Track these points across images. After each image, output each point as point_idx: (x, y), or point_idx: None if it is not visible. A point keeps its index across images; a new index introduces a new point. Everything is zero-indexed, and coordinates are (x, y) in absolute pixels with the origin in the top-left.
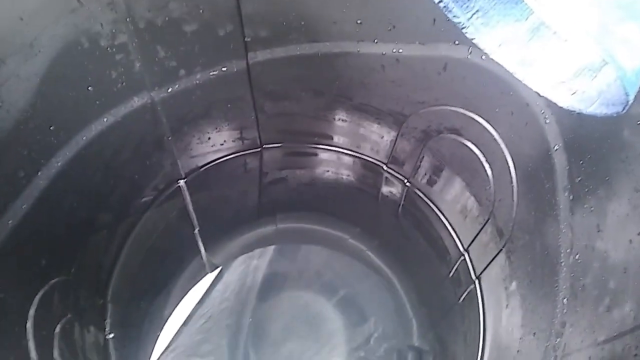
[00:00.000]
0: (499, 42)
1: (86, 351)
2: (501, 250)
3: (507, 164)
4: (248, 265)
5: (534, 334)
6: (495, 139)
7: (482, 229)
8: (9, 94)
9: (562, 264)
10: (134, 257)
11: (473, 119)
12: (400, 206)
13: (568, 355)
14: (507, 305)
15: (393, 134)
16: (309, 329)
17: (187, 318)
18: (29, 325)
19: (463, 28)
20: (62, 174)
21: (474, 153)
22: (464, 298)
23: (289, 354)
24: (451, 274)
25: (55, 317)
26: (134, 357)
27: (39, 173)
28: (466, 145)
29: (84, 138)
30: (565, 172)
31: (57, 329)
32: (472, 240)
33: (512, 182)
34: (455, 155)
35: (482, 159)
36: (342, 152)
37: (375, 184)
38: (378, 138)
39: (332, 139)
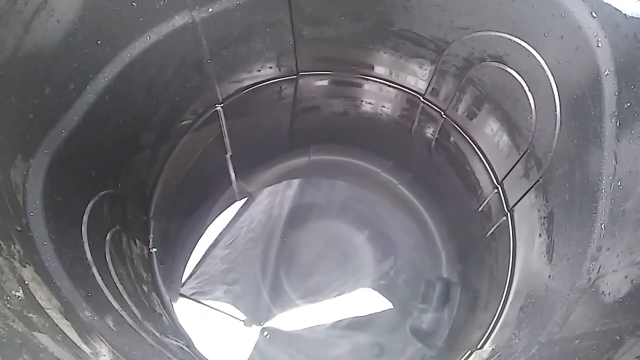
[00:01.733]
0: None
1: (134, 260)
2: (538, 180)
3: (552, 91)
4: (276, 196)
5: (568, 259)
6: (541, 66)
7: (519, 160)
8: (59, 4)
9: (603, 190)
10: (173, 178)
11: (519, 44)
12: (435, 139)
13: (603, 276)
14: (540, 234)
15: (433, 62)
16: (337, 261)
17: (211, 247)
18: (84, 230)
19: None
20: (109, 90)
21: (517, 81)
22: (494, 231)
23: (317, 284)
24: (481, 208)
25: (105, 226)
26: (167, 275)
27: (88, 87)
28: (509, 73)
29: (129, 55)
30: (614, 98)
31: (108, 237)
32: (507, 173)
33: (555, 111)
34: (497, 84)
35: (525, 88)
36: (379, 82)
37: (410, 116)
38: (417, 67)
39: (370, 67)
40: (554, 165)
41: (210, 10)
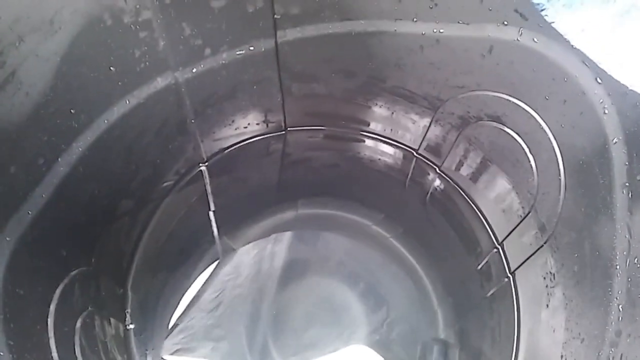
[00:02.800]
0: (582, 26)
1: (107, 344)
2: (542, 246)
3: (555, 155)
4: (263, 249)
5: (582, 340)
6: (542, 129)
7: (520, 222)
8: (27, 75)
9: (617, 267)
10: (154, 243)
11: (518, 106)
12: (429, 194)
13: None
14: (547, 305)
15: (427, 119)
16: (329, 318)
17: (195, 299)
18: (50, 321)
19: (542, 10)
20: (83, 160)
21: (517, 142)
22: (494, 293)
23: (309, 342)
24: (480, 266)
25: (76, 311)
26: (148, 343)
27: (59, 159)
28: (508, 134)
29: (106, 121)
30: (624, 168)
31: (78, 324)
32: (508, 234)
33: (559, 175)
34: (495, 144)
35: (526, 149)
36: (371, 136)
37: (403, 170)
38: (410, 123)
39: (362, 122)
40: (559, 231)
41: (195, 70)
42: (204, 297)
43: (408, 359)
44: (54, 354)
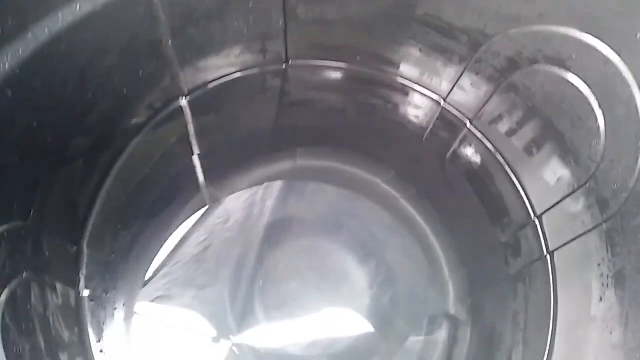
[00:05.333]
0: None
1: (49, 319)
2: (600, 225)
3: (636, 110)
4: (255, 194)
5: None
6: (623, 77)
7: (572, 193)
8: None
9: None
10: (121, 191)
11: (593, 47)
12: (451, 151)
13: None
14: (601, 299)
15: (464, 60)
16: (323, 283)
17: (180, 244)
18: None
19: None
20: (12, 80)
21: (583, 94)
22: (522, 271)
23: (294, 301)
24: (506, 239)
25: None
26: (117, 301)
27: None
28: (572, 84)
29: (47, 30)
30: None
31: (2, 298)
32: (552, 206)
33: (638, 138)
34: (551, 95)
35: (594, 104)
36: (390, 78)
37: (423, 122)
38: (441, 64)
39: (379, 59)
40: (628, 210)
41: None
42: (190, 240)
43: (410, 332)
44: None
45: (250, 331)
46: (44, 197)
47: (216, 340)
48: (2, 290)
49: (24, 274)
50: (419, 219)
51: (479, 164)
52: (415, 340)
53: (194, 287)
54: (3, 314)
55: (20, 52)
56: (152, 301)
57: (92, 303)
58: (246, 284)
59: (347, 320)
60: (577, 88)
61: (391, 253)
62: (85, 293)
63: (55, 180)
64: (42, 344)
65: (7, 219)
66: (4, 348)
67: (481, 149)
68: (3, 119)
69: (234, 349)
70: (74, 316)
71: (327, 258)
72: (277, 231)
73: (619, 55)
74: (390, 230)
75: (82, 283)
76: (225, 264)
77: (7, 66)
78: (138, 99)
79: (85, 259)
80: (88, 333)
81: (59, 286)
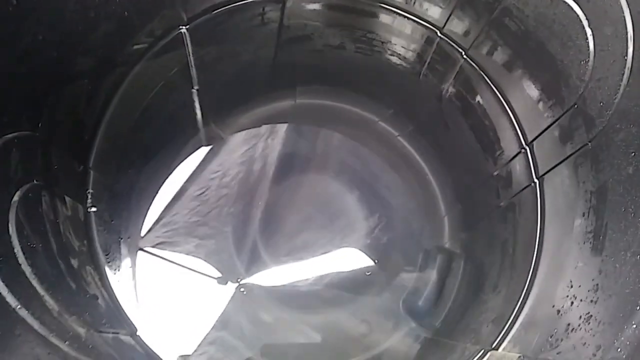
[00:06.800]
0: None
1: (60, 225)
2: (586, 145)
3: (625, 28)
4: (254, 147)
5: (633, 254)
6: None
7: (561, 116)
8: None
9: None
10: (124, 117)
11: None
12: (448, 86)
13: None
14: (584, 214)
15: None
16: (324, 221)
17: (177, 196)
18: None
19: None
20: None
21: (574, 12)
22: (513, 200)
23: (301, 244)
24: (498, 172)
25: (12, 181)
26: (122, 231)
27: None
28: (564, 2)
29: None
30: None
31: (16, 197)
32: (542, 132)
33: (625, 55)
34: (544, 17)
35: (584, 22)
36: (387, 9)
37: (421, 55)
38: None
39: None
40: (613, 126)
41: None
42: (187, 193)
43: (407, 266)
44: None
45: (256, 274)
46: (51, 112)
47: (222, 282)
48: (15, 191)
49: (34, 181)
50: (416, 155)
51: (474, 97)
52: (412, 271)
53: (195, 237)
54: (17, 211)
55: None
56: (154, 246)
57: (100, 228)
58: (251, 234)
59: (348, 256)
60: (569, 6)
61: (389, 190)
62: (93, 209)
63: (63, 96)
64: (54, 247)
65: (17, 127)
66: (18, 240)
67: (476, 80)
68: (10, 26)
69: (241, 288)
70: (83, 229)
71: (330, 197)
72: (279, 176)
73: None
74: (389, 167)
75: (89, 200)
76: (225, 219)
77: None
78: (139, 24)
79: (91, 179)
80: (96, 247)
81: (67, 199)
